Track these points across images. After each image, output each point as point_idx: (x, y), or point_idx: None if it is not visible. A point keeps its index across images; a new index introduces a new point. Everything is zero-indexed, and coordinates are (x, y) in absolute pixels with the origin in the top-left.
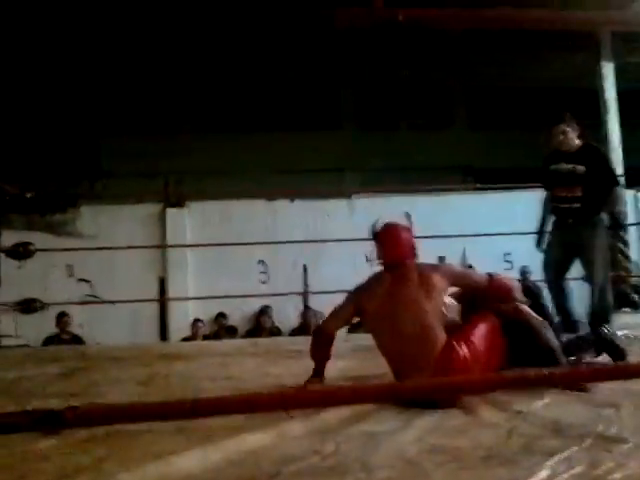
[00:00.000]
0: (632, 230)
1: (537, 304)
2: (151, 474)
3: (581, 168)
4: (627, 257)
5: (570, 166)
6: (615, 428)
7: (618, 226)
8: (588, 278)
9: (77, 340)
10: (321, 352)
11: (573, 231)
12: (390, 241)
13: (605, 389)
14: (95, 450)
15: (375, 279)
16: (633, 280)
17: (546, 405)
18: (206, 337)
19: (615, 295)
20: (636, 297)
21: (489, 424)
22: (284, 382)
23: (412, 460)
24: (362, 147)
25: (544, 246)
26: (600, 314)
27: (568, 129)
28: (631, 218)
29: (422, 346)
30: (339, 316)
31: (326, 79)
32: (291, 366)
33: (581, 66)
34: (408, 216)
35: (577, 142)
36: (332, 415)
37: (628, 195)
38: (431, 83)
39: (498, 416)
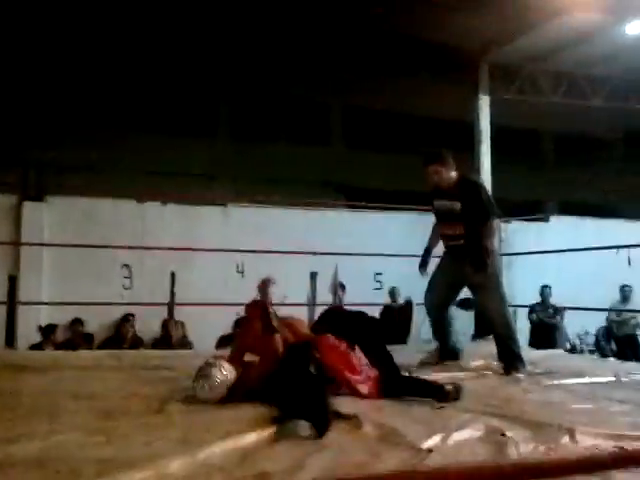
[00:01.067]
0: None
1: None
2: None
3: (457, 205)
4: None
5: (448, 204)
6: None
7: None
8: (479, 306)
9: None
10: None
11: (461, 266)
12: None
13: (494, 420)
14: None
15: None
16: None
17: (444, 441)
18: (59, 345)
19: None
20: None
21: (390, 464)
22: (153, 405)
23: None
24: (236, 157)
25: (426, 270)
26: (504, 335)
27: (441, 168)
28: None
29: None
30: None
31: (207, 87)
32: (159, 385)
33: (459, 99)
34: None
35: (453, 177)
36: (217, 450)
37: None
38: (311, 101)
39: (399, 453)
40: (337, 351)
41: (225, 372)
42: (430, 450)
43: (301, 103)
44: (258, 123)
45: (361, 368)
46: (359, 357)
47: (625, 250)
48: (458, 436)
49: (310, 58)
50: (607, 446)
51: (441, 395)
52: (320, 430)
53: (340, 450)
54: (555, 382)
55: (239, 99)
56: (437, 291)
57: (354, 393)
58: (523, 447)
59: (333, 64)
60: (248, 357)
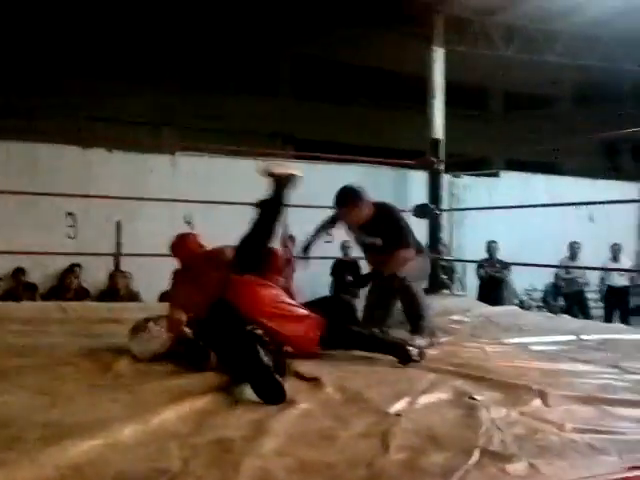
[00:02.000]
0: (445, 214)
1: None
2: None
3: (379, 241)
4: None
5: (369, 240)
6: (497, 440)
7: None
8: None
9: None
10: None
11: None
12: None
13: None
14: None
15: None
16: (443, 262)
17: (412, 404)
18: (0, 296)
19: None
20: (445, 278)
21: (358, 430)
22: (101, 363)
23: None
24: (183, 105)
25: (307, 254)
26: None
27: (354, 208)
28: (445, 202)
29: None
30: None
31: (152, 32)
32: (106, 340)
33: (411, 51)
34: None
35: (368, 212)
36: (171, 414)
37: (444, 178)
38: (259, 50)
39: (366, 418)
40: (256, 295)
41: (160, 328)
42: (398, 414)
43: (250, 52)
44: (206, 72)
45: (289, 313)
46: (287, 301)
47: (584, 207)
48: (425, 399)
49: (260, 7)
50: (579, 410)
51: (403, 356)
52: (267, 398)
53: (303, 414)
54: (516, 341)
55: (187, 47)
56: (377, 310)
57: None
58: (494, 411)
59: (283, 13)
60: None
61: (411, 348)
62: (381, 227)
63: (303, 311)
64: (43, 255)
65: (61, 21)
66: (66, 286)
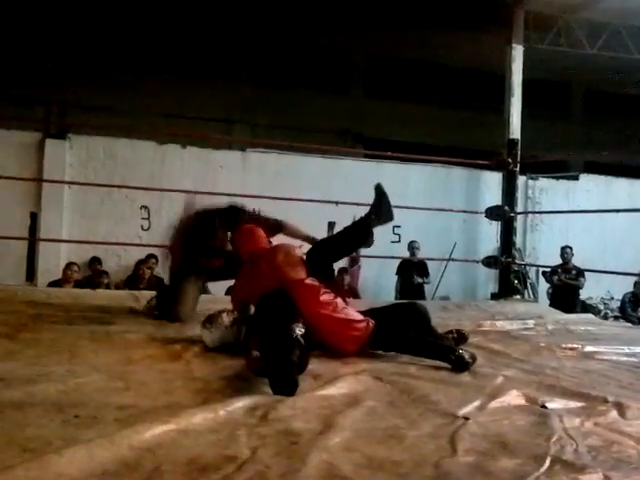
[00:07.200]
0: (519, 217)
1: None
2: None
3: None
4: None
5: None
6: (570, 449)
7: None
8: None
9: None
10: None
11: None
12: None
13: (531, 388)
14: None
15: None
16: (515, 267)
17: (481, 409)
18: (77, 282)
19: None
20: (516, 283)
21: (425, 430)
22: (172, 350)
23: None
24: (255, 103)
25: None
26: None
27: None
28: (521, 205)
29: None
30: None
31: (229, 32)
32: (177, 329)
33: (488, 50)
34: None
35: None
36: (239, 404)
37: (520, 181)
38: (332, 48)
39: (433, 419)
40: (320, 299)
41: (233, 319)
42: (467, 418)
43: (323, 50)
44: (279, 69)
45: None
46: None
47: None
48: (495, 404)
49: (334, 4)
50: None
51: (457, 363)
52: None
53: (370, 412)
54: (592, 350)
55: (261, 44)
56: None
57: (339, 346)
58: (568, 421)
59: (356, 11)
60: None
61: (464, 352)
62: None
63: (355, 314)
64: (118, 246)
65: (141, 21)
66: (139, 276)
